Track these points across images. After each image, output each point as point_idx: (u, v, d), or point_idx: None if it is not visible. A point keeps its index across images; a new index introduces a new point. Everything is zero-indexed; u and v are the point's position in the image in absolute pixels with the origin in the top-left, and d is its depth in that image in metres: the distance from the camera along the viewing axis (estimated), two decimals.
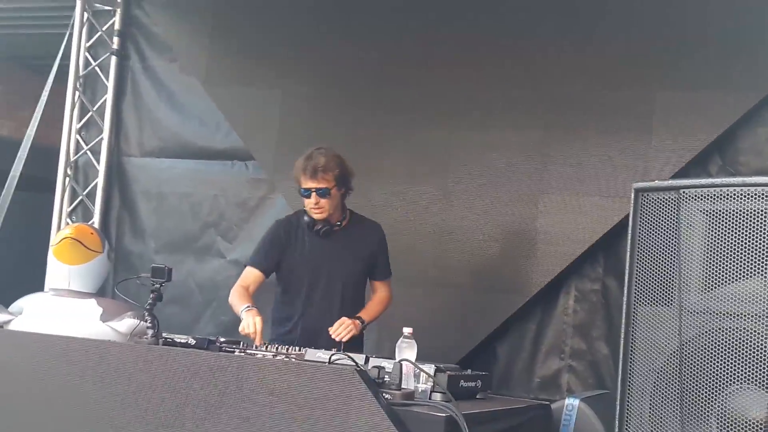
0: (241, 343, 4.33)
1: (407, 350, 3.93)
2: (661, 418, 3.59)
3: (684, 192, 3.67)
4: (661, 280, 3.68)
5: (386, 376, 3.75)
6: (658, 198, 3.77)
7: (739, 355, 3.51)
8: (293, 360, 4.00)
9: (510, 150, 5.94)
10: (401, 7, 6.37)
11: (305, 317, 5.01)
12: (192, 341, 4.29)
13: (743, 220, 3.57)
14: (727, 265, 3.51)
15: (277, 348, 4.26)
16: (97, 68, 7.41)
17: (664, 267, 3.67)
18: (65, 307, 4.73)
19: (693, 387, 3.51)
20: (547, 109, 5.88)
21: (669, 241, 3.67)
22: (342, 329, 4.72)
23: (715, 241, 3.55)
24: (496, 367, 5.90)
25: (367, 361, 3.98)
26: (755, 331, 3.58)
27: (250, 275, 5.03)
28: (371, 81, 6.40)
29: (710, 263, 3.56)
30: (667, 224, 3.69)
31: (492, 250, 5.92)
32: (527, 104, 5.93)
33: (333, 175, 4.88)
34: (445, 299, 5.96)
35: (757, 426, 3.52)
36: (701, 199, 3.62)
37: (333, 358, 3.93)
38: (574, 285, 5.83)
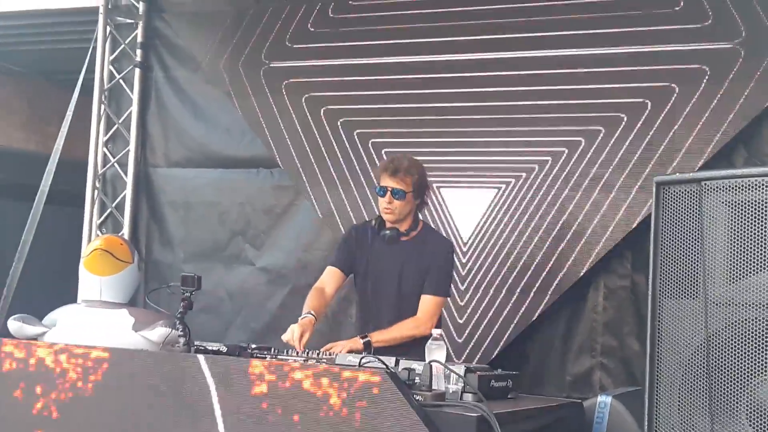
0: (272, 348, 4.35)
1: (437, 351, 3.93)
2: (690, 411, 3.58)
3: (705, 184, 3.66)
4: (685, 273, 3.67)
5: (416, 378, 3.75)
6: (679, 191, 3.76)
7: (766, 345, 3.50)
8: (324, 364, 4.02)
9: (534, 149, 5.95)
10: (422, 3, 6.40)
11: (363, 324, 5.00)
12: (224, 349, 4.33)
13: (766, 210, 3.56)
14: (751, 256, 3.49)
15: (307, 353, 4.29)
16: (121, 81, 7.46)
17: (688, 259, 3.66)
18: (98, 318, 4.77)
19: (721, 379, 3.49)
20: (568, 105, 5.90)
21: (692, 234, 3.67)
22: (330, 345, 4.66)
23: (738, 231, 3.54)
24: (528, 367, 5.90)
25: (397, 363, 3.97)
26: None
27: (327, 274, 5.00)
28: (395, 83, 6.41)
29: (734, 254, 3.55)
30: (690, 217, 3.68)
31: (519, 250, 5.93)
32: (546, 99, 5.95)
33: (412, 179, 4.82)
34: (474, 300, 5.97)
35: None
36: (723, 191, 3.61)
37: (363, 361, 3.95)
38: (603, 282, 5.83)
